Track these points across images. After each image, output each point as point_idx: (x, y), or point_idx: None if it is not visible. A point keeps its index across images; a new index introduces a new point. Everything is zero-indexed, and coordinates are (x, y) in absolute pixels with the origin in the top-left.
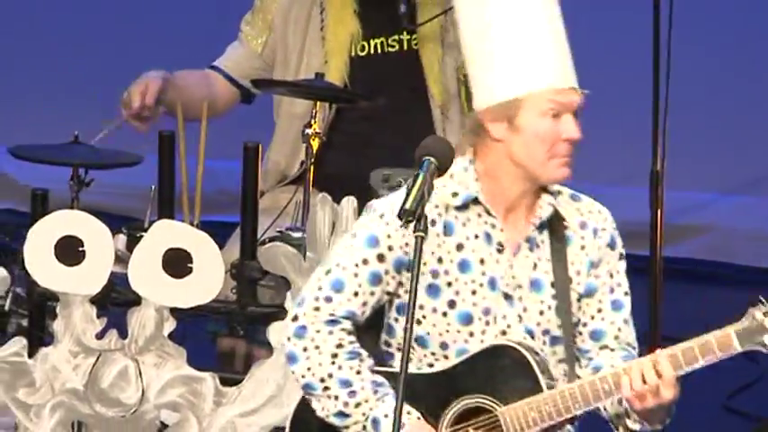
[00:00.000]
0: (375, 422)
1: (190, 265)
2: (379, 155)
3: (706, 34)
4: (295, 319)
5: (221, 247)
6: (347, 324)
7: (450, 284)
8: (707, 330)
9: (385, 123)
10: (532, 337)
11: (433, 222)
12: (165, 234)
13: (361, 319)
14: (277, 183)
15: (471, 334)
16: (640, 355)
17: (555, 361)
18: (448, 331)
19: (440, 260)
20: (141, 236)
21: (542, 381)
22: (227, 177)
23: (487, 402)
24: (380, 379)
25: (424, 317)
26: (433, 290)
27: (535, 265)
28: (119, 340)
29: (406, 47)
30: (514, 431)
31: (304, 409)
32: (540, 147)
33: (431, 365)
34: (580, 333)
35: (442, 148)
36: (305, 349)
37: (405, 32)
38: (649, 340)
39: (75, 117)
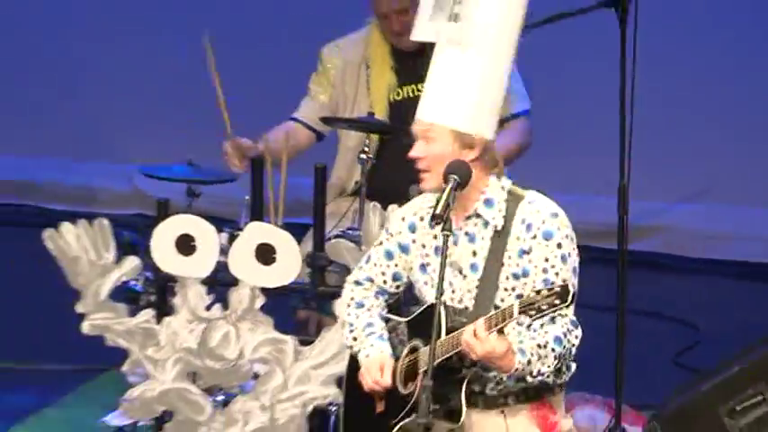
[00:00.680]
0: (359, 353)
1: (274, 255)
2: (413, 174)
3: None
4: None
5: (299, 242)
6: (367, 284)
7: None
8: (663, 308)
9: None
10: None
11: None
12: (256, 232)
13: (381, 283)
14: (339, 194)
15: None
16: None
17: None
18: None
19: (423, 246)
20: (238, 234)
21: (443, 331)
22: (302, 190)
23: (419, 343)
24: (376, 324)
25: (420, 289)
26: (423, 267)
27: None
28: (222, 311)
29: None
30: (424, 364)
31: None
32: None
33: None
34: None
35: (462, 168)
36: (342, 300)
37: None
38: (615, 315)
39: (189, 141)
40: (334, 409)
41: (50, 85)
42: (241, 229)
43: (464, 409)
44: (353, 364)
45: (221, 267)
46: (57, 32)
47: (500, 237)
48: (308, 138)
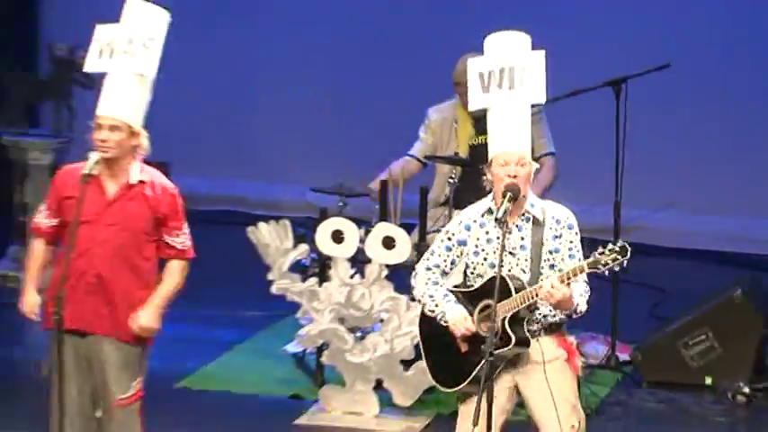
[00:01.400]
0: (444, 315)
1: (394, 243)
2: (482, 193)
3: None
4: (414, 272)
5: (409, 235)
6: (434, 269)
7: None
8: (642, 278)
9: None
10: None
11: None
12: (383, 229)
13: (444, 267)
14: (435, 205)
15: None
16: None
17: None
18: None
19: (477, 239)
20: (371, 230)
21: (513, 291)
22: (412, 203)
23: (491, 302)
24: (449, 294)
25: (475, 268)
26: (477, 254)
27: (522, 238)
28: (361, 279)
29: None
30: (502, 313)
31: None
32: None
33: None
34: (559, 270)
35: (515, 188)
36: (414, 282)
37: None
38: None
39: (341, 167)
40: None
41: (257, 126)
42: (372, 227)
43: (530, 338)
44: (424, 323)
45: (360, 251)
46: (267, 80)
47: (538, 228)
48: (417, 167)
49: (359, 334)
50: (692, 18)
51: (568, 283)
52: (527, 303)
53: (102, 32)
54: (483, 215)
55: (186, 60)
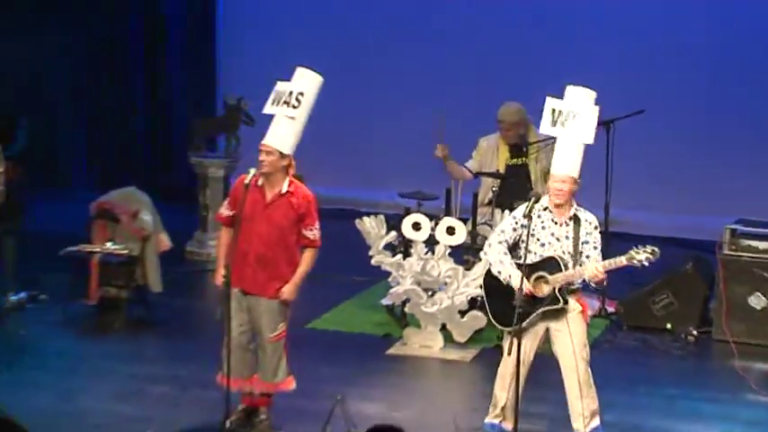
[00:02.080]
0: (510, 277)
1: (454, 231)
2: (518, 195)
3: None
4: (488, 243)
5: (464, 225)
6: (504, 244)
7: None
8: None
9: (517, 185)
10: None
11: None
12: (447, 221)
13: (509, 242)
14: (482, 204)
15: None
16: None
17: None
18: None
19: (532, 226)
20: (439, 221)
21: (562, 268)
22: (466, 203)
23: (545, 274)
24: (513, 263)
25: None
26: (532, 235)
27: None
28: (432, 255)
29: (524, 161)
30: (553, 282)
31: (488, 273)
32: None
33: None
34: (587, 256)
35: (537, 193)
36: (489, 250)
37: (524, 156)
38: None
39: (419, 175)
40: (479, 299)
41: (362, 150)
42: (440, 220)
43: (565, 299)
44: (487, 276)
45: (431, 236)
46: (368, 115)
47: (577, 226)
48: (470, 176)
49: (430, 292)
50: (661, 67)
51: (601, 272)
52: (576, 278)
53: (279, 87)
54: (542, 212)
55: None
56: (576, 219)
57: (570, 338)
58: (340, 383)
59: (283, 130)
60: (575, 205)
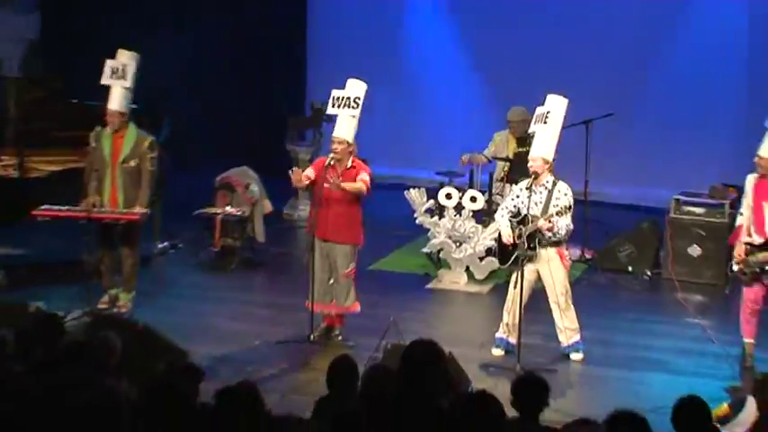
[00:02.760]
0: (505, 230)
1: (476, 199)
2: (523, 174)
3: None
4: (500, 209)
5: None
6: (506, 210)
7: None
8: (600, 217)
9: (522, 167)
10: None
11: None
12: (470, 192)
13: (511, 210)
14: (496, 181)
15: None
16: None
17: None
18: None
19: (521, 196)
20: (464, 192)
21: (529, 222)
22: (484, 180)
23: (522, 226)
24: (509, 221)
25: (520, 211)
26: (523, 203)
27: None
28: (459, 217)
29: (527, 149)
30: (524, 231)
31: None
32: None
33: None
34: (551, 214)
35: (536, 172)
36: (497, 216)
37: (528, 146)
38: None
39: (449, 158)
40: (493, 249)
41: (409, 135)
42: (466, 191)
43: (538, 246)
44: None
45: (459, 203)
46: (413, 107)
47: (550, 192)
48: (486, 161)
49: (458, 243)
50: (628, 76)
51: (549, 222)
52: (535, 228)
53: (335, 94)
54: (528, 185)
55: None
56: (551, 188)
57: (552, 279)
58: (392, 308)
59: (347, 126)
60: (552, 178)
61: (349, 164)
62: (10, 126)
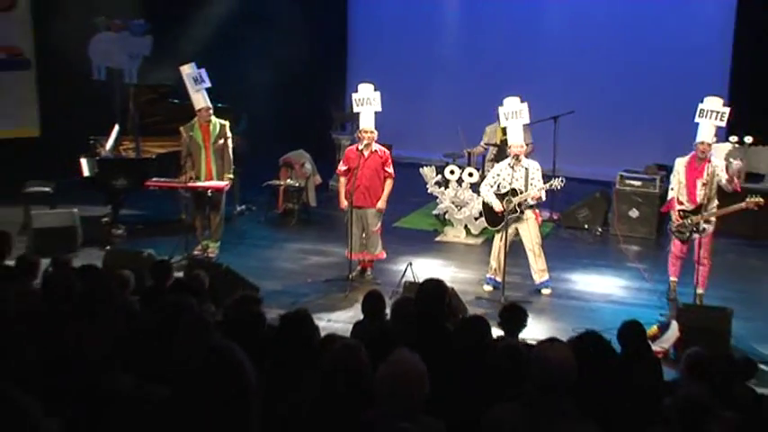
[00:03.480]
0: (491, 203)
1: (472, 175)
2: (505, 156)
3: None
4: (482, 186)
5: (478, 171)
6: (490, 185)
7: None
8: (575, 190)
9: (505, 151)
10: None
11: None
12: (468, 170)
13: (493, 185)
14: (487, 162)
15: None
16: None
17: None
18: (505, 186)
19: (503, 174)
20: (463, 169)
21: (518, 194)
22: (478, 161)
23: (511, 197)
24: (494, 195)
25: (500, 185)
26: (504, 179)
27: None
28: (460, 188)
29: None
30: (515, 201)
31: (483, 202)
32: None
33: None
34: (533, 186)
35: (517, 155)
36: (482, 190)
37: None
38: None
39: (453, 143)
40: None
41: (420, 121)
42: (465, 168)
43: (522, 210)
44: (485, 204)
45: (459, 178)
46: (422, 99)
47: (527, 170)
48: (482, 150)
49: (459, 207)
50: (584, 78)
51: (540, 192)
52: (526, 197)
53: (355, 97)
54: (508, 165)
55: (389, 90)
56: (525, 168)
57: (529, 233)
58: (410, 255)
59: (371, 119)
60: (524, 159)
61: (374, 148)
62: (129, 120)
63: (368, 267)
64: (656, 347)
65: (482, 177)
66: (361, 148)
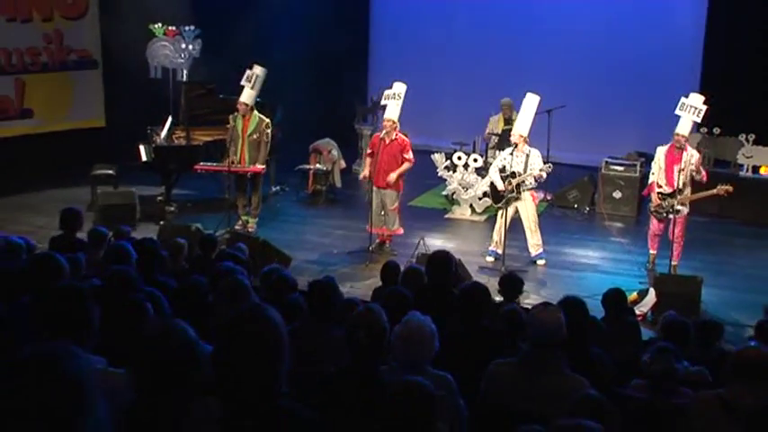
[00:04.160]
0: (495, 182)
1: (477, 161)
2: (507, 144)
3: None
4: (491, 168)
5: (482, 157)
6: (497, 168)
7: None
8: (567, 173)
9: (507, 139)
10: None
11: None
12: (473, 156)
13: (500, 168)
14: (490, 148)
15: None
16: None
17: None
18: (508, 170)
19: (506, 159)
20: (469, 155)
21: (517, 176)
22: (483, 147)
23: (512, 179)
24: (499, 176)
25: (505, 168)
26: (509, 163)
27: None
28: (466, 171)
29: (510, 127)
30: (514, 182)
31: (491, 184)
32: None
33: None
34: (532, 169)
35: (515, 143)
36: (490, 172)
37: (511, 124)
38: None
39: (461, 131)
40: (488, 192)
41: (431, 112)
42: (471, 154)
43: (520, 191)
44: (491, 185)
45: (466, 163)
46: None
47: (527, 156)
48: (489, 136)
49: (465, 188)
50: (575, 75)
51: (540, 174)
52: (523, 179)
53: (387, 92)
54: (511, 152)
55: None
56: (528, 154)
57: (526, 211)
58: (422, 231)
59: (394, 111)
60: (528, 147)
61: (394, 136)
62: (181, 112)
63: (386, 241)
64: (636, 311)
65: (485, 163)
66: (383, 135)
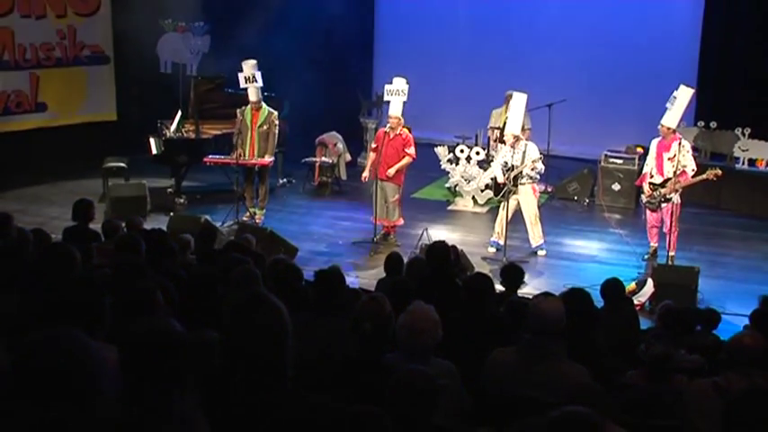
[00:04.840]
0: (496, 176)
1: (479, 153)
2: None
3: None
4: (494, 162)
5: (484, 150)
6: (500, 162)
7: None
8: (563, 166)
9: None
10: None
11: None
12: (476, 149)
13: (503, 163)
14: (492, 141)
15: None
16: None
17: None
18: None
19: (507, 154)
20: (472, 148)
21: (513, 169)
22: (485, 140)
23: (510, 172)
24: (501, 169)
25: (507, 162)
26: (509, 157)
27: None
28: (469, 164)
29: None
30: (512, 174)
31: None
32: None
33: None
34: (531, 161)
35: (512, 140)
36: (493, 165)
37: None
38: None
39: (462, 125)
40: (491, 184)
41: (434, 106)
42: (473, 147)
43: (520, 183)
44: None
45: (468, 156)
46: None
47: (525, 150)
48: (492, 130)
49: (468, 180)
50: (572, 73)
51: (534, 165)
52: (519, 171)
53: (387, 88)
54: (510, 147)
55: (409, 80)
56: (524, 148)
57: (527, 204)
58: (425, 222)
59: (398, 107)
60: (526, 142)
61: (398, 131)
62: (191, 106)
63: (390, 232)
64: (634, 301)
65: (487, 155)
66: (387, 130)
